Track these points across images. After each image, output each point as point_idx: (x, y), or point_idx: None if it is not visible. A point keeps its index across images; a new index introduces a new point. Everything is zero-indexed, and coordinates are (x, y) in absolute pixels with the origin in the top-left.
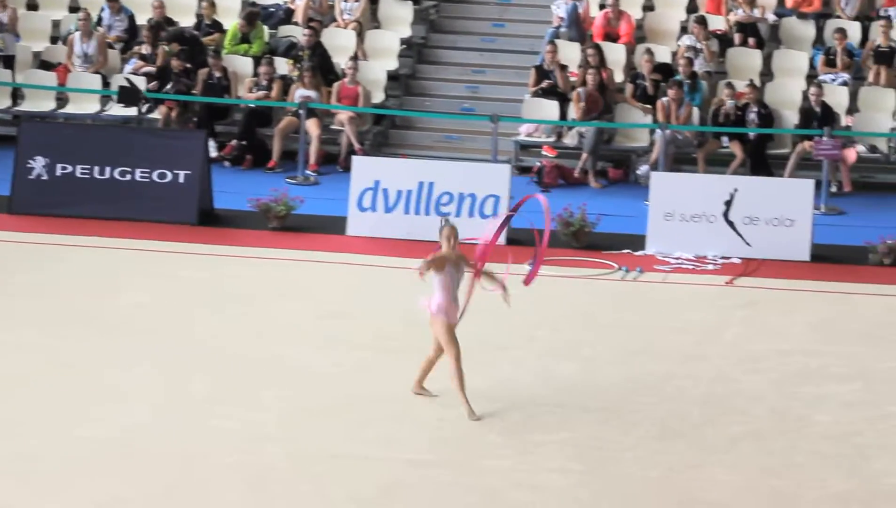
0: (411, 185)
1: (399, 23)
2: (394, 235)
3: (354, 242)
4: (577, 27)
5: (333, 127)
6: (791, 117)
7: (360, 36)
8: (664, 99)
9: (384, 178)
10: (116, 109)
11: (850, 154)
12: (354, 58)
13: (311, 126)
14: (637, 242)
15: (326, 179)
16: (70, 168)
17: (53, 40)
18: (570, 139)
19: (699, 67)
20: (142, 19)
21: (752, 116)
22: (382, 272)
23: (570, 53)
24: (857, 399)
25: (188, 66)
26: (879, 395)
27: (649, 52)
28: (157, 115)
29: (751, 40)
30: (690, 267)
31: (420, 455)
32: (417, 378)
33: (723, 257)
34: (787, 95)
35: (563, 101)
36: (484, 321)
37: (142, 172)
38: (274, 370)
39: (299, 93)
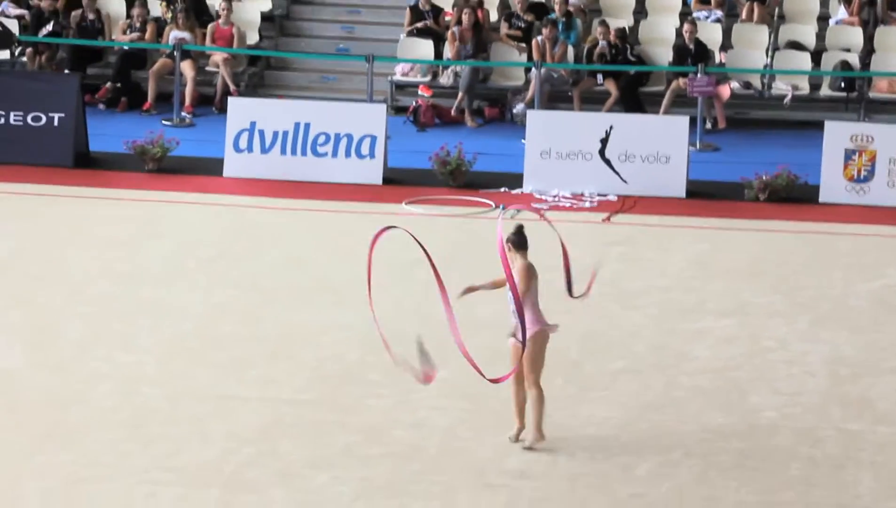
0: (287, 126)
1: None
2: (270, 176)
3: (231, 183)
4: None
5: (208, 69)
6: (665, 55)
7: None
8: (539, 37)
9: (260, 119)
10: None
11: (724, 91)
12: None
13: (186, 68)
14: (514, 180)
15: (202, 120)
16: None
17: None
18: (445, 79)
19: (574, 4)
20: None
21: (627, 54)
22: (259, 213)
23: None
24: (735, 335)
25: (59, 7)
26: (756, 330)
27: None
28: (25, 58)
29: None
30: (567, 205)
31: (300, 395)
32: (535, 424)
33: (599, 195)
34: (661, 32)
35: (439, 40)
36: (362, 261)
37: (15, 116)
38: (151, 311)
39: (173, 34)
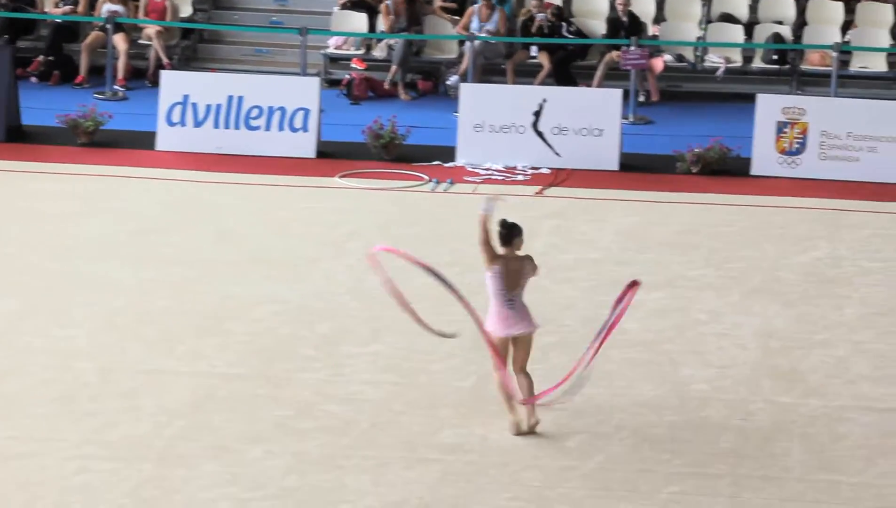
0: (221, 99)
1: None
2: (204, 149)
3: (164, 157)
4: None
5: (141, 42)
6: (599, 28)
7: None
8: (475, 5)
9: (193, 92)
10: None
11: (658, 63)
12: None
13: (119, 41)
14: (447, 153)
15: (135, 94)
16: None
17: None
18: (379, 52)
19: None
20: None
21: (563, 31)
22: (193, 187)
23: None
24: (667, 307)
25: None
26: (688, 302)
27: None
28: None
29: None
30: (500, 178)
31: (232, 369)
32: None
33: (532, 168)
34: (595, 5)
35: (372, 13)
36: (295, 235)
37: None
38: (83, 286)
39: (106, 7)
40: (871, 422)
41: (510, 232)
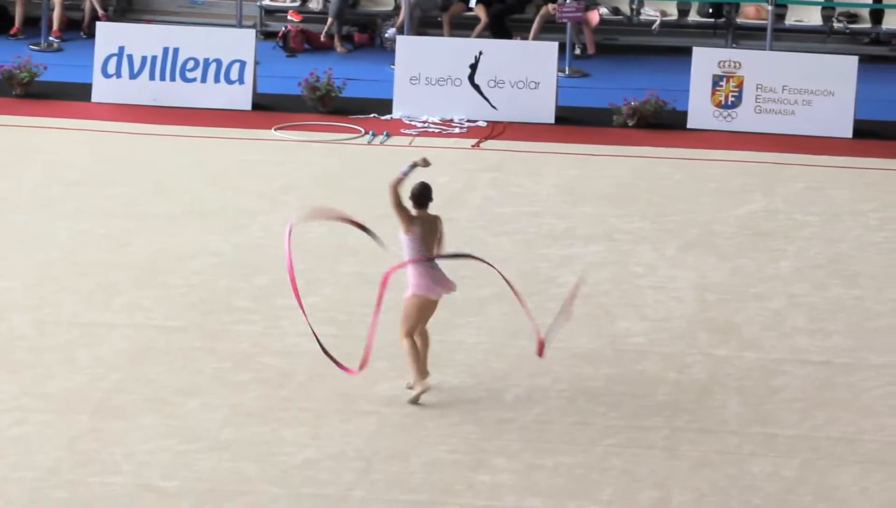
0: (156, 51)
1: None
2: (139, 101)
3: (100, 109)
4: None
5: None
6: None
7: None
8: None
9: (129, 44)
10: None
11: (593, 16)
12: None
13: None
14: (384, 106)
15: (70, 45)
16: None
17: None
18: (315, 3)
19: None
20: None
21: None
22: (129, 139)
23: None
24: (603, 260)
25: None
26: (624, 255)
27: None
28: None
29: None
30: (437, 131)
31: (169, 322)
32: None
33: (469, 121)
34: None
35: None
36: (232, 187)
37: None
38: (19, 238)
39: None
40: (806, 375)
41: (425, 193)
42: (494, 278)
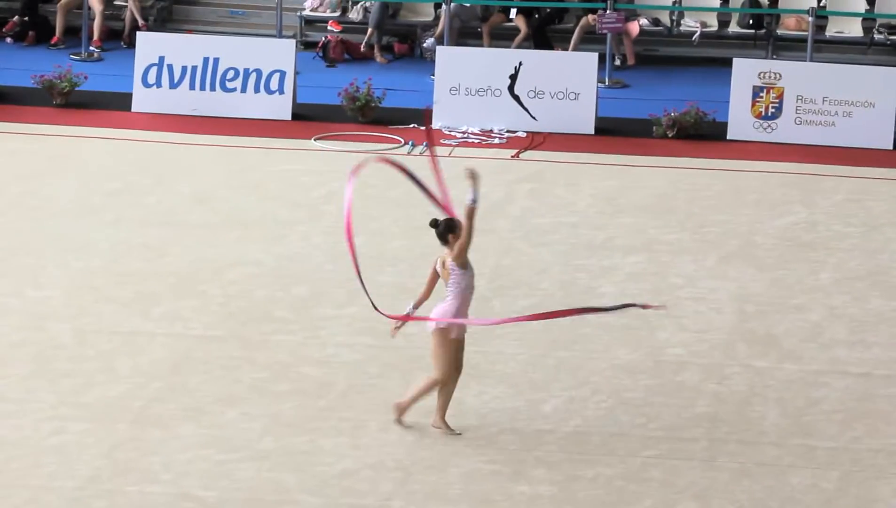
0: (196, 60)
1: None
2: (179, 111)
3: (140, 118)
4: None
5: (117, 2)
6: None
7: None
8: None
9: (169, 53)
10: None
11: (633, 27)
12: None
13: (95, 2)
14: (423, 116)
15: (110, 55)
16: None
17: None
18: (354, 14)
19: None
20: None
21: None
22: (168, 149)
23: None
24: (642, 271)
25: None
26: (663, 266)
27: None
28: None
29: None
30: (476, 141)
31: (207, 331)
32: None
33: (508, 131)
34: None
35: None
36: (271, 197)
37: None
38: (59, 247)
39: None
40: (846, 387)
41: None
42: (534, 288)
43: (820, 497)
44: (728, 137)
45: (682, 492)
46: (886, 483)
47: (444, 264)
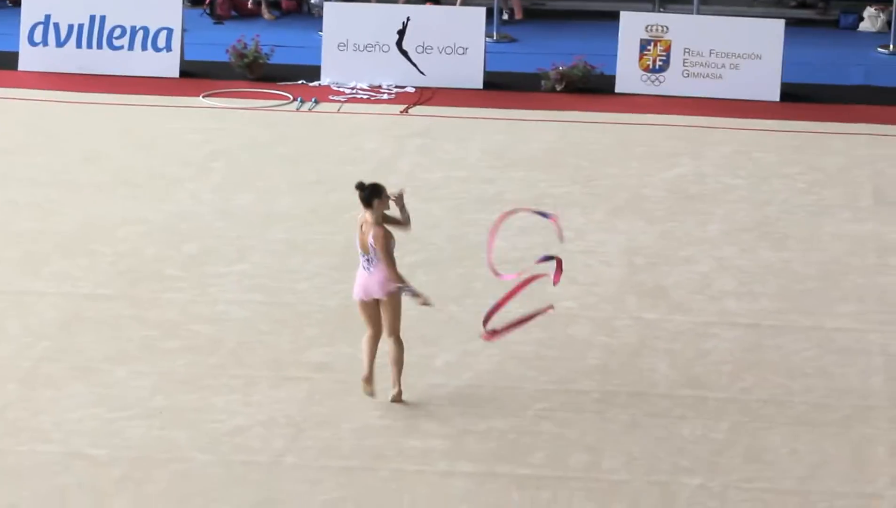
0: (83, 18)
1: None
2: (67, 69)
3: (27, 77)
4: None
5: None
6: None
7: None
8: None
9: (55, 12)
10: None
11: None
12: None
13: None
14: (312, 72)
15: None
16: None
17: None
18: None
19: None
20: None
21: None
22: (56, 108)
23: None
24: (533, 225)
25: None
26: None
27: None
28: None
29: None
30: (365, 97)
31: (98, 290)
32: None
33: (397, 87)
34: None
35: None
36: (160, 155)
37: None
38: None
39: None
40: (735, 337)
41: (368, 193)
42: (424, 243)
43: (710, 447)
44: (616, 91)
45: (574, 444)
46: (776, 433)
47: (362, 226)
